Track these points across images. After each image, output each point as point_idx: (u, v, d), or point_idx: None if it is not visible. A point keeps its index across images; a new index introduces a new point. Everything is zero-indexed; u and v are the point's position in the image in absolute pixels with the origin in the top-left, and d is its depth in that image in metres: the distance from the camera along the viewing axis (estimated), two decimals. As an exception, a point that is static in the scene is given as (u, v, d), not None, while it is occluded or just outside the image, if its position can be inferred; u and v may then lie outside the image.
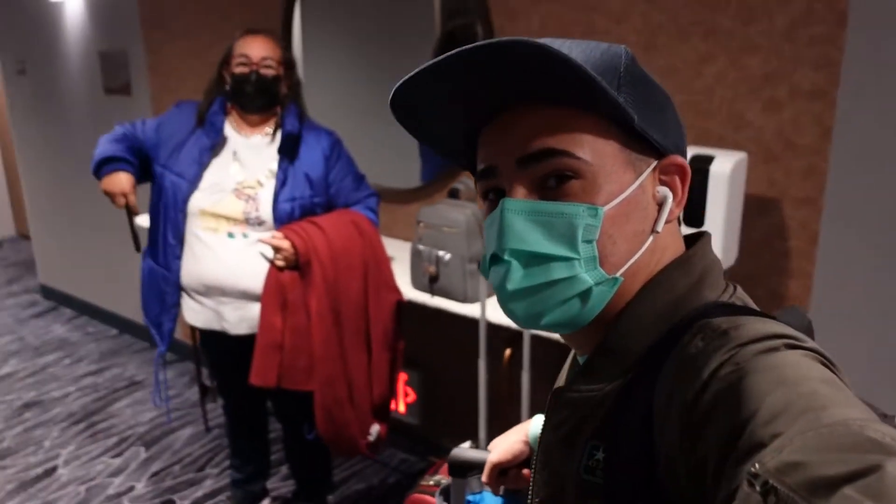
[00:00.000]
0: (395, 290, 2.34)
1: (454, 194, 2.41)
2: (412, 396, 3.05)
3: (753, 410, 0.53)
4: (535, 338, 2.20)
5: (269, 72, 2.21)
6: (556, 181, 0.68)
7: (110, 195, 2.19)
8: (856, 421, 0.49)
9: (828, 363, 0.59)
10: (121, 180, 2.20)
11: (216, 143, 2.23)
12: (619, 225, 0.68)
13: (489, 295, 2.23)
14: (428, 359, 3.03)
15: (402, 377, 3.05)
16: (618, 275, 0.68)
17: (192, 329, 2.46)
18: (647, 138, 0.69)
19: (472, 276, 2.28)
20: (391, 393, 2.41)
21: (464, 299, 2.30)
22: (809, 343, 0.60)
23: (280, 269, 2.19)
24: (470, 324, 2.67)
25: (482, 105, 0.71)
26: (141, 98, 3.84)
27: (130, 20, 3.74)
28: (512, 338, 2.36)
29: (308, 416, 2.33)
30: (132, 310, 4.40)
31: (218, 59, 2.28)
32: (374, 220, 2.37)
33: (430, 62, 0.66)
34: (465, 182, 2.41)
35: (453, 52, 0.64)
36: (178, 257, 2.26)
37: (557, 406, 0.76)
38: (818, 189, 1.99)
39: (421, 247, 2.36)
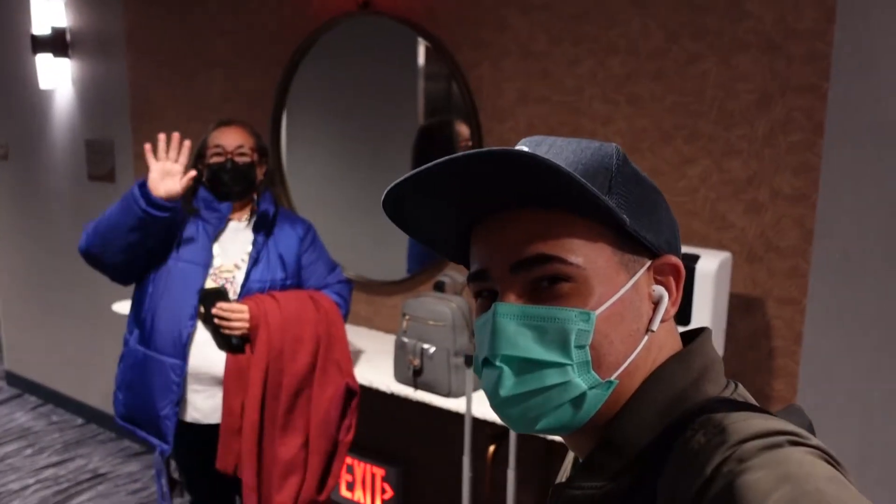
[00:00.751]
0: (347, 374, 2.28)
1: (440, 287, 2.41)
2: (389, 493, 2.96)
3: None
4: (521, 434, 2.17)
5: (244, 159, 2.26)
6: (548, 282, 0.68)
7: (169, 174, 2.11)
8: None
9: (832, 461, 0.58)
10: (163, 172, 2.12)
11: (219, 229, 2.26)
12: (614, 325, 0.68)
13: (475, 389, 2.21)
14: (406, 454, 2.96)
15: (380, 473, 2.97)
16: (613, 377, 0.68)
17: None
18: (639, 239, 0.70)
19: (457, 370, 2.26)
20: (323, 488, 2.28)
21: (448, 393, 2.27)
22: (813, 440, 0.59)
23: (235, 344, 2.16)
24: (452, 418, 2.63)
25: (473, 207, 0.72)
26: (124, 185, 3.84)
27: (120, 110, 3.79)
28: (496, 434, 2.32)
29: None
30: (99, 398, 4.27)
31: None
32: (339, 303, 2.35)
33: (420, 169, 0.67)
34: (451, 275, 2.42)
35: (442, 160, 0.65)
36: (189, 343, 2.18)
37: (558, 503, 0.74)
38: (802, 290, 2.03)
39: (405, 339, 2.34)
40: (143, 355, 2.21)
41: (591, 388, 0.67)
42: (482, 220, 0.72)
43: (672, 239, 0.74)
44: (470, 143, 2.61)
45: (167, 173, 2.11)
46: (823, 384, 2.03)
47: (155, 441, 2.22)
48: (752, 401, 0.71)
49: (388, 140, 2.91)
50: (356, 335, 2.82)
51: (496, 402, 0.70)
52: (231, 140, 2.25)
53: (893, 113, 1.86)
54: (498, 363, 0.69)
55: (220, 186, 2.25)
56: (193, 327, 2.17)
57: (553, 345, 0.67)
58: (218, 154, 2.24)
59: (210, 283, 2.20)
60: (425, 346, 2.29)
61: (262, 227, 2.29)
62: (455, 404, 2.24)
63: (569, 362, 0.66)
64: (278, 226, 2.32)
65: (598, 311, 0.67)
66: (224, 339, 2.16)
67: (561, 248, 0.67)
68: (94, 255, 2.17)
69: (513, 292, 0.69)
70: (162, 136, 2.13)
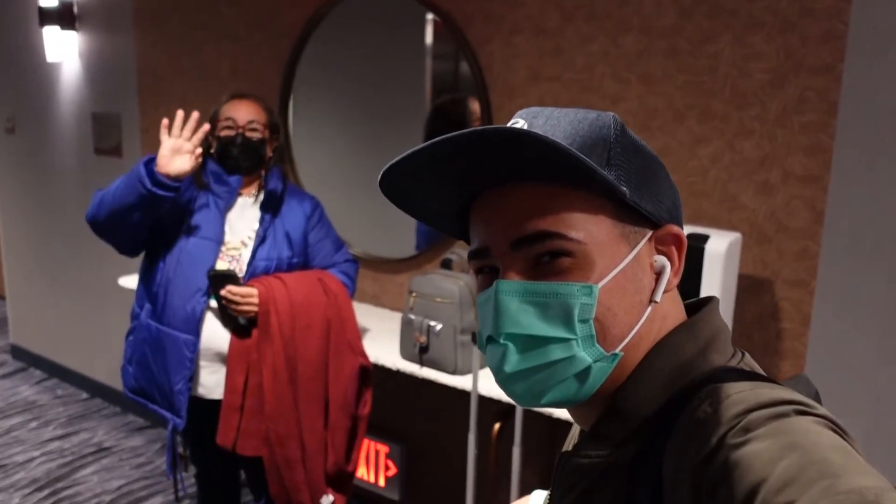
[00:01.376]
0: (360, 354, 2.28)
1: (447, 265, 2.41)
2: (393, 470, 2.97)
3: (764, 477, 0.52)
4: (526, 412, 2.17)
5: (255, 135, 2.23)
6: (549, 258, 0.68)
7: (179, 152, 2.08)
8: (871, 490, 0.48)
9: (839, 430, 0.58)
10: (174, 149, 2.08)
11: (230, 203, 2.25)
12: (617, 298, 0.68)
13: (481, 367, 2.20)
14: (410, 431, 2.97)
15: (384, 450, 2.98)
16: (617, 350, 0.68)
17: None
18: (640, 210, 0.70)
19: (464, 347, 2.26)
20: (349, 462, 2.33)
21: (454, 371, 2.27)
22: (820, 410, 0.59)
23: (241, 324, 2.15)
24: (456, 396, 2.63)
25: (472, 183, 0.71)
26: (132, 159, 3.83)
27: (127, 84, 3.77)
28: (502, 412, 2.33)
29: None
30: (105, 373, 4.29)
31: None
32: (346, 283, 2.34)
33: (415, 149, 0.66)
34: (458, 253, 2.41)
35: (438, 139, 0.65)
36: (202, 320, 2.19)
37: (565, 472, 0.75)
38: (811, 272, 2.02)
39: (412, 316, 2.34)
40: (157, 330, 2.20)
41: (595, 361, 0.67)
42: (481, 195, 0.72)
43: (673, 208, 0.73)
44: (480, 122, 2.59)
45: (178, 151, 2.08)
46: (831, 367, 2.02)
47: (168, 415, 2.23)
48: (760, 370, 0.71)
49: (396, 117, 2.89)
50: (362, 313, 2.82)
51: (501, 378, 0.71)
52: (243, 114, 2.23)
53: (909, 94, 1.84)
54: (502, 340, 0.69)
55: (229, 160, 2.23)
56: (206, 304, 2.17)
57: (557, 320, 0.67)
58: (229, 127, 2.22)
59: (220, 264, 2.19)
60: (432, 323, 2.29)
61: (270, 206, 2.27)
62: (461, 382, 2.24)
63: (573, 337, 0.67)
64: (286, 203, 2.31)
65: (600, 285, 0.67)
66: (230, 319, 2.16)
67: (561, 224, 0.67)
68: (100, 228, 2.17)
69: (514, 269, 0.69)
70: (180, 113, 2.09)
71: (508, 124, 0.68)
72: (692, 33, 2.13)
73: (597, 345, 0.67)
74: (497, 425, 2.30)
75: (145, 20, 3.63)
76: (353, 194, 3.00)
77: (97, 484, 3.45)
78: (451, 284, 2.28)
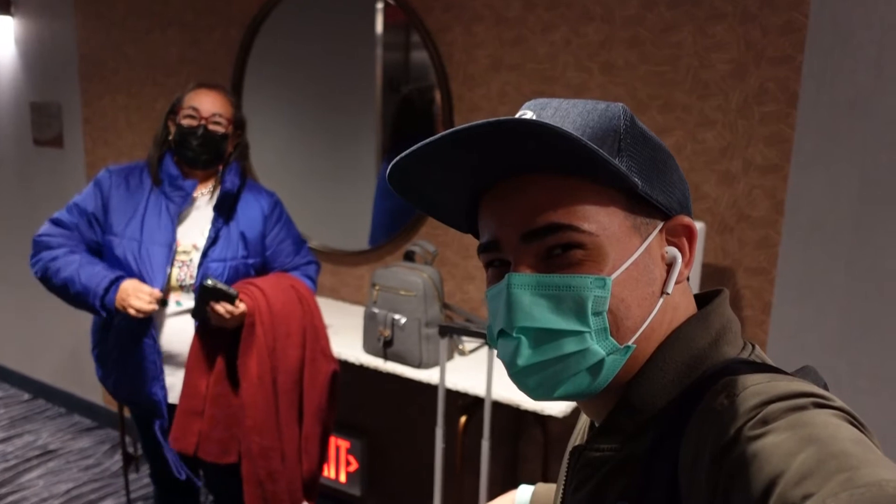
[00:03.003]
0: (332, 359, 2.25)
1: (409, 257, 2.38)
2: (354, 465, 2.94)
3: (783, 470, 0.51)
4: (493, 405, 2.16)
5: (218, 129, 2.15)
6: (561, 250, 0.67)
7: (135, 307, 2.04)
8: (890, 482, 0.48)
9: (857, 423, 0.58)
10: (136, 290, 2.04)
11: (183, 208, 2.16)
12: (630, 290, 0.68)
13: (448, 359, 2.19)
14: (371, 426, 2.94)
15: (344, 445, 2.94)
16: (630, 342, 0.68)
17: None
18: (651, 201, 0.69)
19: (428, 340, 2.23)
20: (319, 469, 2.30)
21: (418, 365, 2.25)
22: (837, 402, 0.59)
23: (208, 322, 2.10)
24: (419, 390, 2.61)
25: (481, 176, 0.71)
26: (73, 151, 3.69)
27: (68, 71, 3.63)
28: (467, 405, 2.31)
29: (239, 490, 2.21)
30: (48, 373, 4.14)
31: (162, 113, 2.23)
32: (312, 289, 2.30)
33: (423, 142, 0.66)
34: (421, 244, 2.38)
35: (447, 132, 0.64)
36: (161, 323, 2.12)
37: (577, 466, 0.74)
38: (771, 260, 2.05)
39: (375, 310, 2.30)
40: (118, 339, 2.14)
41: (609, 353, 0.67)
42: (491, 188, 0.71)
43: (683, 199, 0.74)
44: (444, 112, 2.56)
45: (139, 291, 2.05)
46: (791, 354, 2.06)
47: (153, 418, 2.21)
48: (770, 362, 0.71)
49: (348, 107, 2.83)
50: (322, 307, 2.76)
51: (514, 372, 0.70)
52: (208, 106, 2.14)
53: (867, 85, 1.88)
54: (515, 334, 0.68)
55: (187, 151, 2.14)
56: (164, 313, 2.12)
57: (570, 313, 0.66)
58: (191, 117, 2.13)
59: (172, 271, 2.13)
60: (396, 316, 2.26)
61: (224, 205, 2.18)
62: (426, 375, 2.22)
63: (587, 329, 0.66)
64: (242, 200, 2.22)
65: (613, 277, 0.66)
66: (200, 313, 2.08)
67: (573, 216, 0.67)
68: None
69: (525, 262, 0.68)
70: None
71: (516, 116, 0.67)
72: (654, 23, 2.13)
73: (610, 337, 0.67)
74: (463, 419, 2.28)
75: (87, 4, 3.49)
76: (308, 186, 2.94)
77: (44, 488, 3.33)
78: (415, 277, 2.25)
